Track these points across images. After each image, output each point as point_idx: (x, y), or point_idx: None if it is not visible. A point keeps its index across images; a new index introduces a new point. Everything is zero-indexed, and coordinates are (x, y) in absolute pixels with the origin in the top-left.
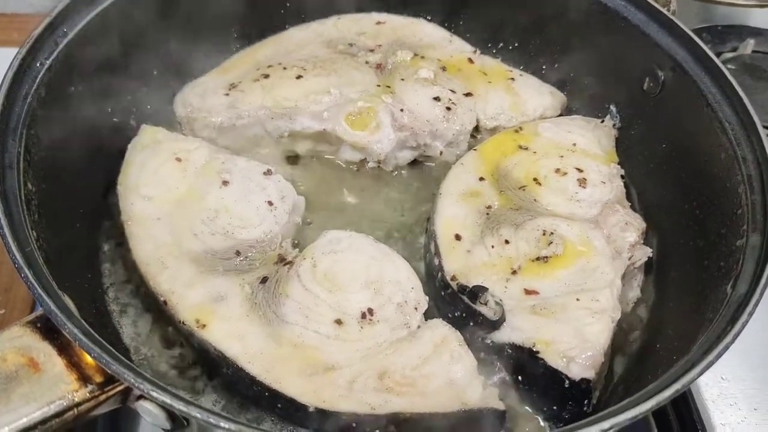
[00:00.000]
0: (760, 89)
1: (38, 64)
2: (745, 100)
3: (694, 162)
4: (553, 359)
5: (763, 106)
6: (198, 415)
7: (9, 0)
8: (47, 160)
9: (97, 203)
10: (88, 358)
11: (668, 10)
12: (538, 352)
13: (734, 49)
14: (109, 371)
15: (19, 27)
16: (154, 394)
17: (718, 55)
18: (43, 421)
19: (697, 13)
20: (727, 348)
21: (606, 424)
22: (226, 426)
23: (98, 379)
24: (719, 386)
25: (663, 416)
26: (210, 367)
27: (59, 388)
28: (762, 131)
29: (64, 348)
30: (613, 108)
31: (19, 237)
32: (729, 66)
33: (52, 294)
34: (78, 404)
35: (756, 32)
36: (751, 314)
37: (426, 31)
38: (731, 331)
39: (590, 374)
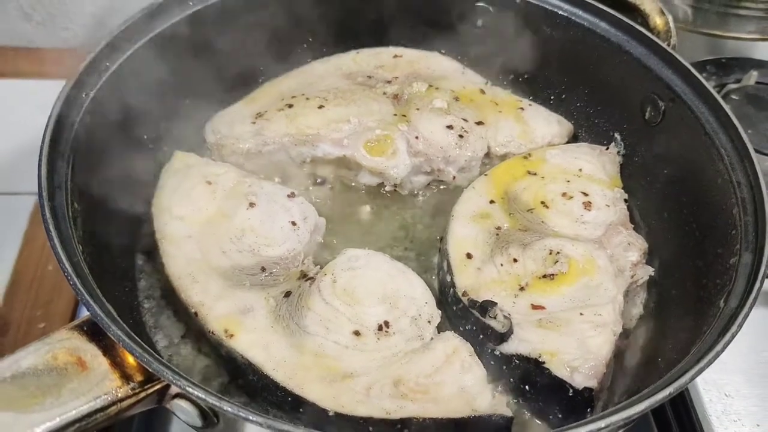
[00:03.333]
0: (763, 119)
1: (83, 95)
2: (739, 128)
3: (692, 186)
4: (558, 369)
5: (765, 134)
6: (229, 409)
7: (43, 34)
8: (90, 182)
9: (133, 223)
10: (130, 359)
11: (668, 45)
12: (543, 363)
13: (738, 81)
14: (150, 369)
15: (56, 60)
16: (190, 389)
17: (722, 86)
18: (90, 414)
19: (702, 46)
20: (717, 356)
21: (602, 423)
22: (255, 419)
23: (139, 378)
24: (723, 403)
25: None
26: (237, 375)
27: (104, 384)
28: (755, 157)
29: (108, 349)
30: (617, 136)
31: (67, 249)
32: (733, 97)
33: (97, 300)
34: (121, 400)
35: (759, 64)
36: (740, 326)
37: (440, 63)
38: (721, 341)
39: (593, 383)
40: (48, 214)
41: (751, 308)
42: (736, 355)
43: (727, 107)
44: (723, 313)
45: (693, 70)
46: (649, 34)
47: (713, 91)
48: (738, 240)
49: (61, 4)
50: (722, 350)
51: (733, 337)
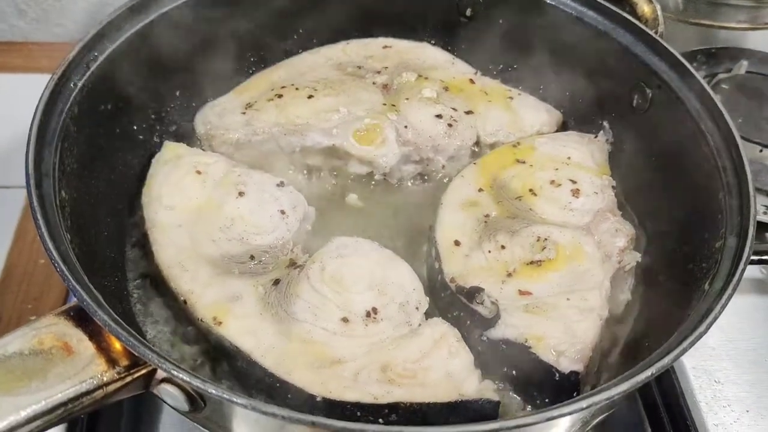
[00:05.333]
0: (754, 107)
1: (72, 85)
2: (725, 113)
3: (680, 172)
4: (545, 353)
5: (756, 124)
6: (214, 392)
7: (37, 30)
8: (79, 171)
9: (123, 212)
10: (116, 344)
11: (656, 32)
12: (530, 347)
13: (728, 70)
14: (135, 353)
15: (48, 55)
16: (175, 373)
17: (713, 75)
18: (76, 398)
19: (693, 36)
20: (700, 337)
21: (583, 404)
22: (240, 402)
23: (124, 362)
24: (713, 389)
25: (657, 419)
26: (226, 362)
27: (90, 368)
28: (740, 141)
29: (94, 334)
30: (605, 124)
31: (54, 237)
32: (723, 86)
33: (84, 286)
34: (106, 384)
35: (749, 54)
36: (723, 307)
37: (430, 54)
38: (704, 322)
39: (579, 367)
40: (35, 203)
41: (734, 290)
42: (725, 342)
43: (712, 92)
44: (707, 296)
45: (679, 57)
46: (636, 22)
47: (699, 77)
48: (723, 224)
49: (54, 1)
50: (705, 331)
51: (715, 318)
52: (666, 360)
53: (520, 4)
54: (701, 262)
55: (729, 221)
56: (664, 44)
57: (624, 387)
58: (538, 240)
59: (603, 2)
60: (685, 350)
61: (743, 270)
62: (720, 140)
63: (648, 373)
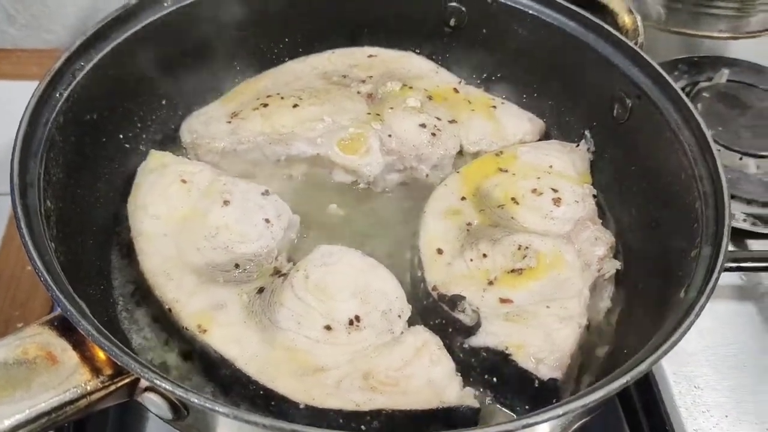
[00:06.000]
0: (734, 116)
1: (57, 95)
2: (701, 122)
3: (658, 182)
4: (524, 361)
5: (736, 132)
6: (196, 401)
7: (27, 37)
8: (64, 181)
9: (108, 221)
10: (100, 354)
11: (636, 43)
12: (510, 355)
13: (709, 79)
14: (118, 363)
15: (38, 62)
16: (158, 382)
17: (695, 84)
18: (59, 407)
19: (676, 45)
20: (674, 345)
21: (560, 411)
22: (221, 410)
23: (108, 371)
24: (692, 395)
25: (636, 424)
26: (210, 370)
27: (74, 378)
28: (715, 151)
29: (78, 344)
30: (587, 133)
31: (39, 246)
32: (704, 95)
33: (67, 296)
34: (90, 393)
35: (730, 62)
36: (698, 315)
37: (414, 63)
38: (678, 330)
39: (558, 374)
40: (20, 213)
41: (707, 299)
42: (705, 348)
43: (689, 102)
44: (682, 304)
45: (658, 68)
46: (616, 33)
47: (677, 87)
48: (699, 233)
49: (44, 6)
50: (679, 339)
51: (689, 327)
52: (641, 367)
53: (503, 14)
54: (677, 271)
55: (704, 230)
56: (643, 55)
57: (600, 394)
58: (519, 248)
59: (584, 14)
60: (658, 358)
61: (716, 279)
62: (697, 150)
63: (623, 380)
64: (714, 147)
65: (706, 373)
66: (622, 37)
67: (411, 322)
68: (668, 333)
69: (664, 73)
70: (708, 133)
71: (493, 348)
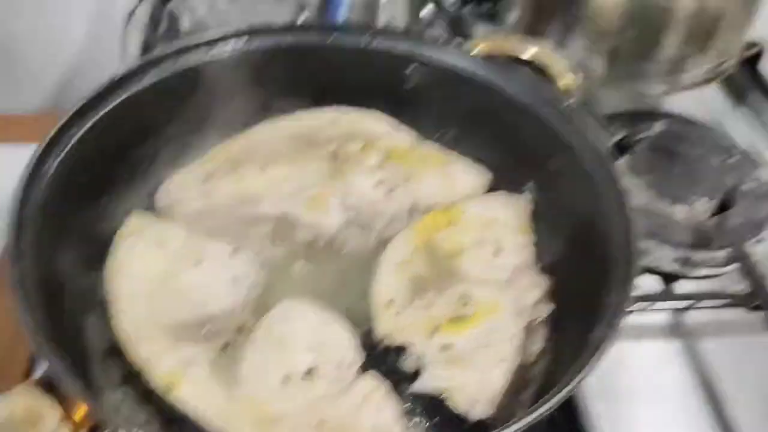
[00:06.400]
0: (667, 165)
1: (51, 160)
2: (617, 176)
3: (585, 230)
4: (459, 403)
5: (668, 179)
6: None
7: (13, 101)
8: (52, 246)
9: (87, 284)
10: (81, 410)
11: (569, 103)
12: (447, 398)
13: (645, 131)
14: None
15: (20, 124)
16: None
17: (632, 136)
18: None
19: (621, 99)
20: (582, 380)
21: None
22: None
23: (88, 425)
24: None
25: None
26: (180, 423)
27: None
28: (625, 198)
29: (62, 401)
30: (530, 184)
31: (36, 316)
32: (640, 146)
33: (53, 358)
34: None
35: (665, 115)
36: (601, 355)
37: (376, 122)
38: (580, 374)
39: (490, 411)
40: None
41: (608, 343)
42: (634, 384)
43: (609, 157)
44: (590, 347)
45: (582, 127)
46: (552, 95)
47: (598, 144)
48: (612, 279)
49: (26, 71)
50: (578, 383)
51: (596, 363)
52: (553, 401)
53: (452, 79)
54: (592, 314)
55: (616, 277)
56: (572, 115)
57: (520, 424)
58: (460, 297)
59: (528, 76)
60: (571, 390)
61: (618, 323)
62: (614, 201)
63: (540, 410)
64: (626, 197)
65: (636, 409)
66: (557, 99)
67: (364, 369)
68: (570, 375)
69: (587, 134)
70: (622, 186)
71: (432, 392)
